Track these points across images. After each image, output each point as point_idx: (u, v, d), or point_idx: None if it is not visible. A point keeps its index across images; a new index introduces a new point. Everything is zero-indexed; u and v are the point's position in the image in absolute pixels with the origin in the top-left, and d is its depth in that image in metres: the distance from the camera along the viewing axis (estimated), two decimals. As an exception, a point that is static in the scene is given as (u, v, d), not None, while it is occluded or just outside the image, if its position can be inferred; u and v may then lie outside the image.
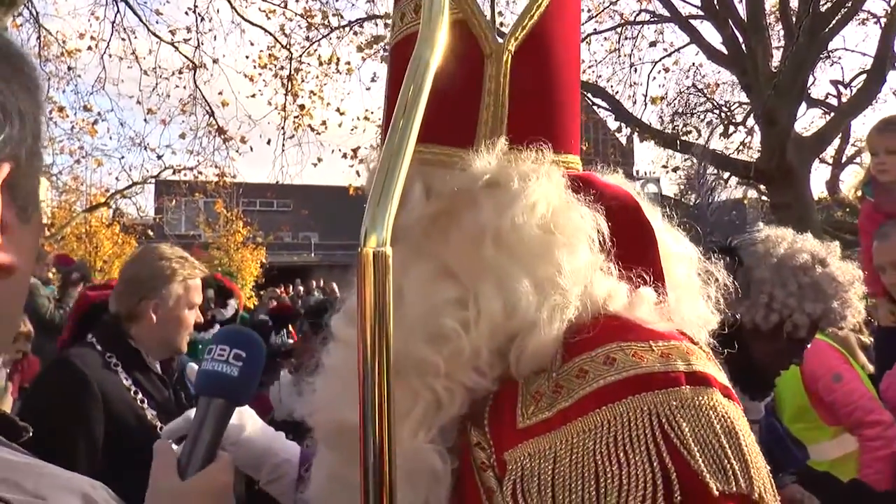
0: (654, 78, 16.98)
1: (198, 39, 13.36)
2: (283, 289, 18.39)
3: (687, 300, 1.09)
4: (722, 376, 0.95)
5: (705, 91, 17.22)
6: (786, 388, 3.22)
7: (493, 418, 0.97)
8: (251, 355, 1.23)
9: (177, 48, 13.29)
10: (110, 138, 29.36)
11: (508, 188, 1.03)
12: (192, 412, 1.42)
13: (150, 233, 20.32)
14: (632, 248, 1.06)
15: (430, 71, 0.73)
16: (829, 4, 11.82)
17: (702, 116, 17.44)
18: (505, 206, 1.01)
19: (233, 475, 1.22)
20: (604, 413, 0.90)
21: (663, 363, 0.93)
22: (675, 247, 1.14)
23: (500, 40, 1.08)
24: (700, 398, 0.90)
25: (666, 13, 14.18)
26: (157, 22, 13.92)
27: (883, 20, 13.05)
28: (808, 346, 2.36)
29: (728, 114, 17.27)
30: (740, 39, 12.55)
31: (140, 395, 2.59)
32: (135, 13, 12.97)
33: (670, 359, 0.94)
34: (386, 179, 0.68)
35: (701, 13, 13.73)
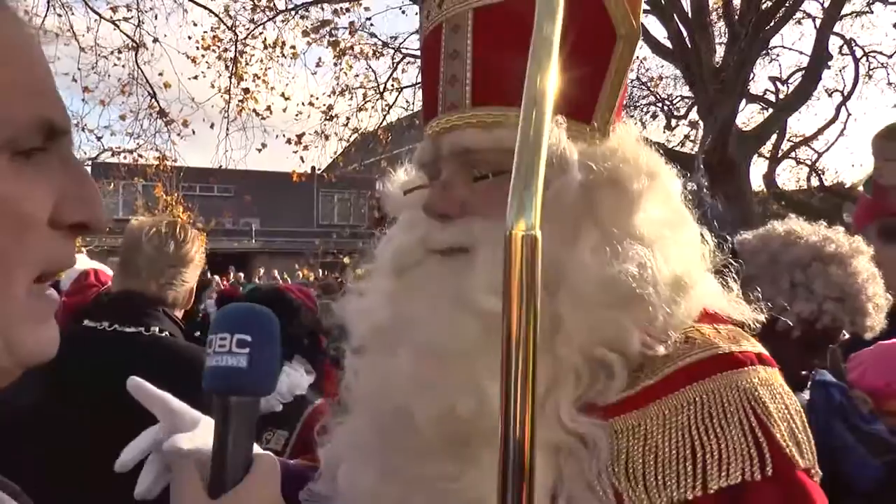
0: (600, 70, 17.17)
1: (139, 18, 12.89)
2: (222, 276, 18.01)
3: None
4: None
5: (649, 84, 17.57)
6: None
7: None
8: (259, 337, 1.00)
9: (117, 26, 12.77)
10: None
11: (657, 166, 1.06)
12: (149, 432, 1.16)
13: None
14: None
15: (555, 46, 0.70)
16: (769, 3, 12.15)
17: (645, 109, 17.81)
18: (658, 181, 1.05)
19: (279, 480, 1.01)
20: (695, 389, 0.92)
21: (736, 344, 0.97)
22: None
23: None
24: (773, 378, 0.96)
25: (613, 6, 14.34)
26: (95, -2, 13.42)
27: (818, 20, 13.50)
28: (830, 346, 2.18)
29: (671, 107, 17.66)
30: (685, 34, 12.79)
31: None
32: (72, -12, 12.46)
33: (740, 341, 0.98)
34: (527, 162, 0.65)
35: (647, 7, 13.95)
